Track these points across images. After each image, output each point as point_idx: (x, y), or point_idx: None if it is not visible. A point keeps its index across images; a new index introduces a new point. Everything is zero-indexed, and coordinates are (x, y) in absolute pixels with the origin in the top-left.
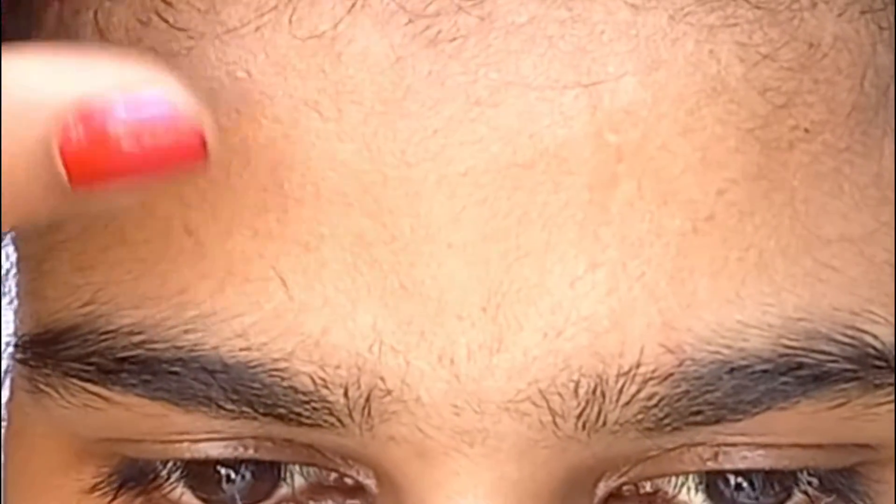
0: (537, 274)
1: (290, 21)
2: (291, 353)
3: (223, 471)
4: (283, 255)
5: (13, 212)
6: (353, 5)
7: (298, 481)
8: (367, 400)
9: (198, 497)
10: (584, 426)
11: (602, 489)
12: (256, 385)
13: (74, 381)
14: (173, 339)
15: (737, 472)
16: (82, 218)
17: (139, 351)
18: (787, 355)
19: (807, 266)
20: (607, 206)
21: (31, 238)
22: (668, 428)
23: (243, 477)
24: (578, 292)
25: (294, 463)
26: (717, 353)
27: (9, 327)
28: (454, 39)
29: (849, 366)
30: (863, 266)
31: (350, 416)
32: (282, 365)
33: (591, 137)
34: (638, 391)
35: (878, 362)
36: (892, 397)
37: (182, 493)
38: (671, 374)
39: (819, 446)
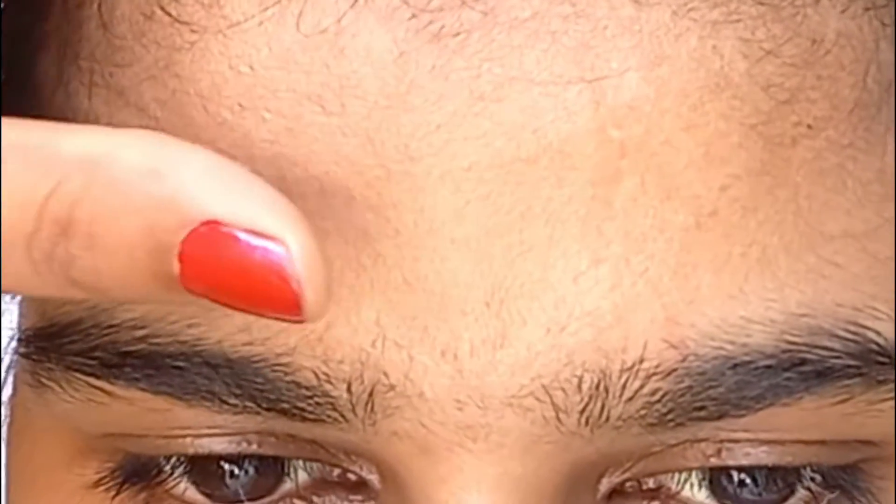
0: (541, 269)
1: (294, 16)
2: (294, 349)
3: (226, 466)
4: None
5: (122, 285)
6: (357, 0)
7: (302, 477)
8: (371, 395)
9: (201, 492)
10: (587, 421)
11: (605, 485)
12: (259, 380)
13: (77, 375)
14: (176, 333)
15: (740, 469)
16: None
17: (142, 345)
18: (790, 351)
19: (810, 262)
20: (610, 202)
21: None
22: (672, 423)
23: (247, 472)
24: (582, 287)
25: (297, 458)
26: (721, 348)
27: (11, 324)
28: (457, 34)
29: (851, 362)
30: (866, 262)
31: (353, 411)
32: (285, 360)
33: (594, 133)
34: (641, 386)
35: (880, 358)
36: (895, 394)
37: (185, 489)
38: (674, 370)
39: (822, 442)
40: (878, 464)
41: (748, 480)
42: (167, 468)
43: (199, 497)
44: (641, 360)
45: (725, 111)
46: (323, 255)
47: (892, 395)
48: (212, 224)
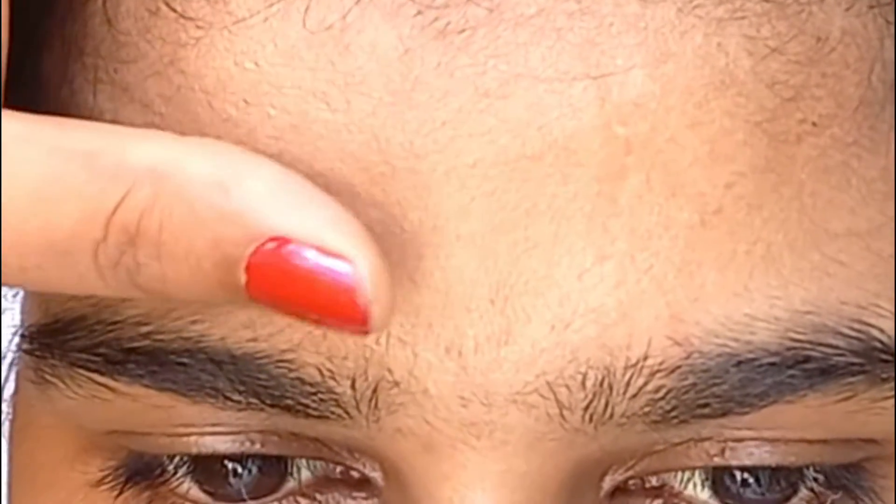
0: (545, 266)
1: (299, 12)
2: (298, 345)
3: (230, 465)
4: None
5: (188, 292)
6: None
7: (305, 475)
8: (375, 392)
9: (204, 491)
10: (591, 418)
11: (608, 483)
12: (263, 376)
13: (81, 371)
14: (180, 329)
15: (743, 468)
16: None
17: (146, 342)
18: (794, 349)
19: (814, 260)
20: (616, 199)
21: None
22: (675, 420)
23: (250, 471)
24: (586, 284)
25: (301, 457)
26: (725, 345)
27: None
28: (463, 31)
29: (855, 359)
30: (870, 260)
31: (357, 407)
32: (289, 356)
33: (599, 130)
34: (645, 383)
35: (884, 356)
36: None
37: (189, 488)
38: (678, 367)
39: (825, 441)
40: (880, 463)
41: (751, 480)
42: (170, 467)
43: (202, 496)
44: (646, 357)
45: (730, 108)
46: (388, 272)
47: (895, 392)
48: (279, 240)
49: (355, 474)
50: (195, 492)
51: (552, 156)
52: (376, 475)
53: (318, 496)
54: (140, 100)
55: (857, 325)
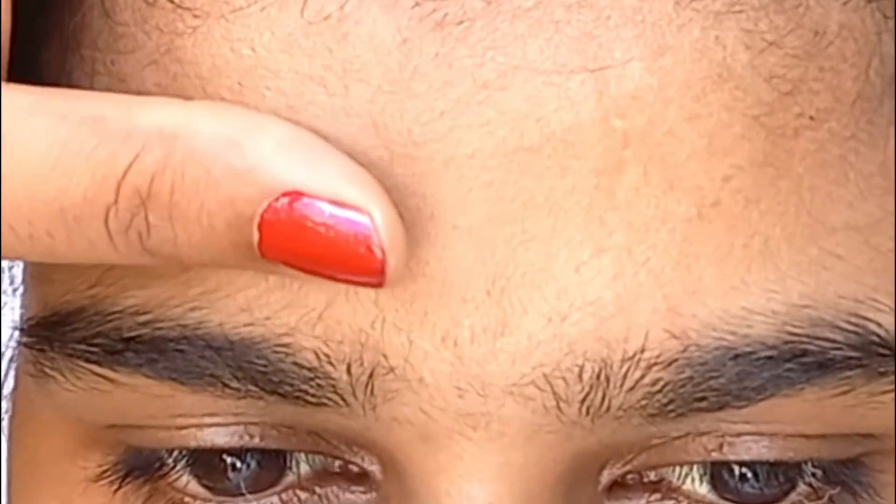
0: (543, 258)
1: (297, 2)
2: (295, 328)
3: (229, 459)
4: None
5: (199, 254)
6: None
7: (304, 469)
8: (371, 377)
9: (204, 486)
10: (588, 411)
11: (606, 477)
12: (261, 362)
13: (80, 362)
14: (178, 317)
15: (741, 463)
16: None
17: (145, 330)
18: (791, 342)
19: (812, 254)
20: (613, 192)
21: None
22: (672, 414)
23: (249, 465)
24: (584, 277)
25: (299, 451)
26: (722, 339)
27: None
28: (461, 22)
29: (853, 353)
30: (867, 254)
31: (353, 394)
32: (285, 340)
33: (597, 122)
34: (642, 376)
35: (881, 350)
36: (895, 386)
37: (188, 482)
38: (676, 360)
39: (823, 436)
40: (878, 458)
41: (749, 475)
42: (169, 461)
43: (201, 490)
44: (643, 350)
45: (728, 102)
46: (402, 224)
47: (893, 386)
48: (293, 194)
49: (354, 468)
50: (194, 486)
51: (550, 148)
52: (374, 468)
53: (317, 490)
54: (137, 90)
55: (854, 319)
